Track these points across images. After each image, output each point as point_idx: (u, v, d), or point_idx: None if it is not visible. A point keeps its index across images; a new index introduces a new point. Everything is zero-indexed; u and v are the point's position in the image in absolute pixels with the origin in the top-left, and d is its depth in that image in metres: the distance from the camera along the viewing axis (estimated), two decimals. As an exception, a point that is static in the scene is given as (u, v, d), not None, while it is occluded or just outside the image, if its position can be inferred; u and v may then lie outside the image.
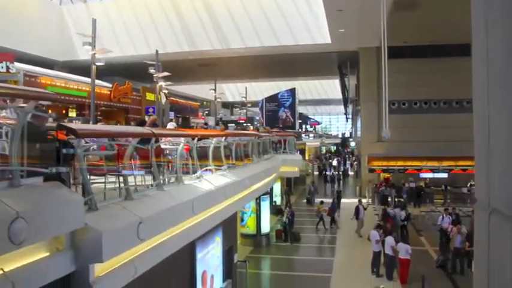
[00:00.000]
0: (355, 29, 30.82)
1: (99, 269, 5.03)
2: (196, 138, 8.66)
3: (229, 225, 11.41)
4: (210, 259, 10.04)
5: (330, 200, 26.07)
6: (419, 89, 34.56)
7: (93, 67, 21.96)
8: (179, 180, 7.77)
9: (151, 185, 6.87)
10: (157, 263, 6.30)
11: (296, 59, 40.77)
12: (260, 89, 70.41)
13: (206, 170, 9.29)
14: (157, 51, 29.97)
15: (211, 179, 8.90)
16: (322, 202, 25.63)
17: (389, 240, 15.68)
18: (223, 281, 11.01)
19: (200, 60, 41.02)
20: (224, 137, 10.83)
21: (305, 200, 32.84)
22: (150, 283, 7.12)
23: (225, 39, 37.36)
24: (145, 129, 6.67)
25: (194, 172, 8.69)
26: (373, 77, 34.70)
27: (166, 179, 7.83)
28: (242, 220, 21.25)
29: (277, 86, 65.60)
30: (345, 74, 45.38)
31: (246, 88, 55.60)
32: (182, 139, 8.28)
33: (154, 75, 29.42)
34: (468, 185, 33.01)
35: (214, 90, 46.12)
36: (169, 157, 8.94)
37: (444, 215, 20.20)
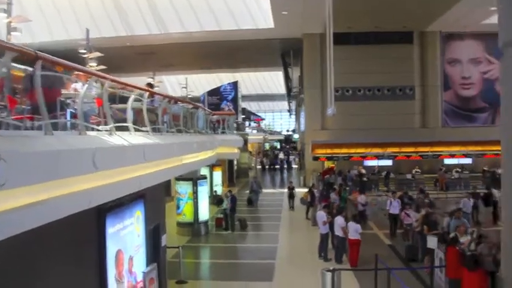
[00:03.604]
0: (299, 12, 29.76)
1: None
2: (106, 85, 6.94)
3: (154, 199, 9.71)
4: (127, 237, 8.31)
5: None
6: (363, 76, 34.23)
7: (9, 38, 19.38)
8: (81, 128, 6.03)
9: (32, 124, 5.14)
10: (34, 226, 4.54)
11: (238, 46, 39.23)
12: (201, 83, 68.55)
13: (121, 126, 7.59)
14: (87, 29, 27.49)
15: (126, 137, 7.20)
16: (310, 189, 24.01)
17: (339, 220, 14.43)
18: (147, 265, 9.29)
19: (138, 48, 38.67)
20: (148, 96, 9.11)
21: (248, 195, 27.80)
22: (31, 255, 5.40)
23: (163, 24, 35.25)
24: (25, 48, 4.91)
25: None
26: (317, 64, 34.13)
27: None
28: (178, 207, 19.56)
29: (220, 80, 64.01)
30: (288, 64, 44.46)
31: (186, 79, 53.56)
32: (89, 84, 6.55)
33: (84, 56, 26.94)
34: (413, 171, 32.98)
35: (153, 78, 43.72)
36: (73, 111, 7.20)
37: (392, 200, 18.69)
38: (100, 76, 6.76)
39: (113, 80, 7.10)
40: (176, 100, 11.63)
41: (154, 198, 9.73)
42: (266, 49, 41.07)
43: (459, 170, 33.45)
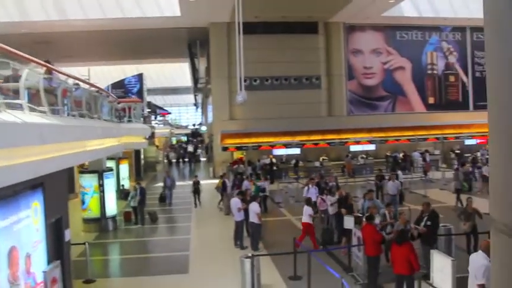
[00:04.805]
0: (206, 0, 29.04)
1: None
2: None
3: (55, 188, 8.69)
4: (23, 231, 7.25)
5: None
6: (271, 66, 34.33)
7: None
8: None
9: None
10: None
11: (144, 35, 37.59)
12: (105, 76, 65.67)
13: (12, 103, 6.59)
14: (-27, 13, 24.94)
15: (19, 115, 6.24)
16: (221, 176, 23.10)
17: (254, 207, 14.09)
18: (49, 263, 8.28)
19: (35, 36, 35.58)
20: (45, 72, 8.10)
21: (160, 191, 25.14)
22: None
23: (62, 9, 32.79)
24: None
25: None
26: (224, 54, 33.73)
27: None
28: (83, 203, 18.22)
29: (124, 72, 61.65)
30: (195, 55, 43.66)
31: (88, 70, 50.83)
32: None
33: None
34: (321, 159, 33.81)
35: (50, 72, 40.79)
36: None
37: (310, 186, 18.13)
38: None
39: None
40: (76, 80, 10.58)
41: (55, 188, 8.71)
42: (172, 39, 39.93)
43: (364, 156, 34.77)
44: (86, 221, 18.26)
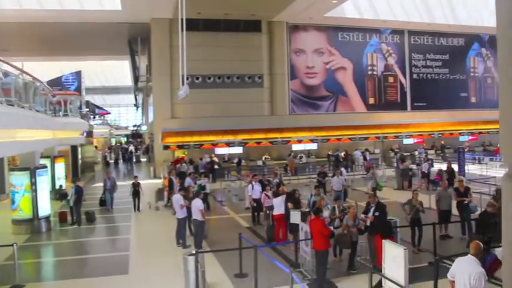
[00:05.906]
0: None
1: None
2: None
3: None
4: None
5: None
6: (213, 64, 34.08)
7: None
8: None
9: None
10: None
11: (82, 30, 36.08)
12: (42, 73, 62.77)
13: None
14: None
15: None
16: (169, 173, 22.18)
17: (197, 203, 13.57)
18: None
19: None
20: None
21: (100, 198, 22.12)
22: None
23: (-7, -3, 30.76)
24: None
25: None
26: (165, 51, 33.05)
27: None
28: (13, 202, 17.01)
29: (61, 71, 59.16)
30: (135, 52, 42.52)
31: (22, 65, 48.32)
32: None
33: None
34: (263, 158, 33.77)
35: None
36: None
37: (254, 184, 17.38)
38: None
39: None
40: (4, 63, 9.73)
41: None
42: (112, 34, 38.65)
43: (302, 155, 35.11)
44: (16, 222, 17.00)
